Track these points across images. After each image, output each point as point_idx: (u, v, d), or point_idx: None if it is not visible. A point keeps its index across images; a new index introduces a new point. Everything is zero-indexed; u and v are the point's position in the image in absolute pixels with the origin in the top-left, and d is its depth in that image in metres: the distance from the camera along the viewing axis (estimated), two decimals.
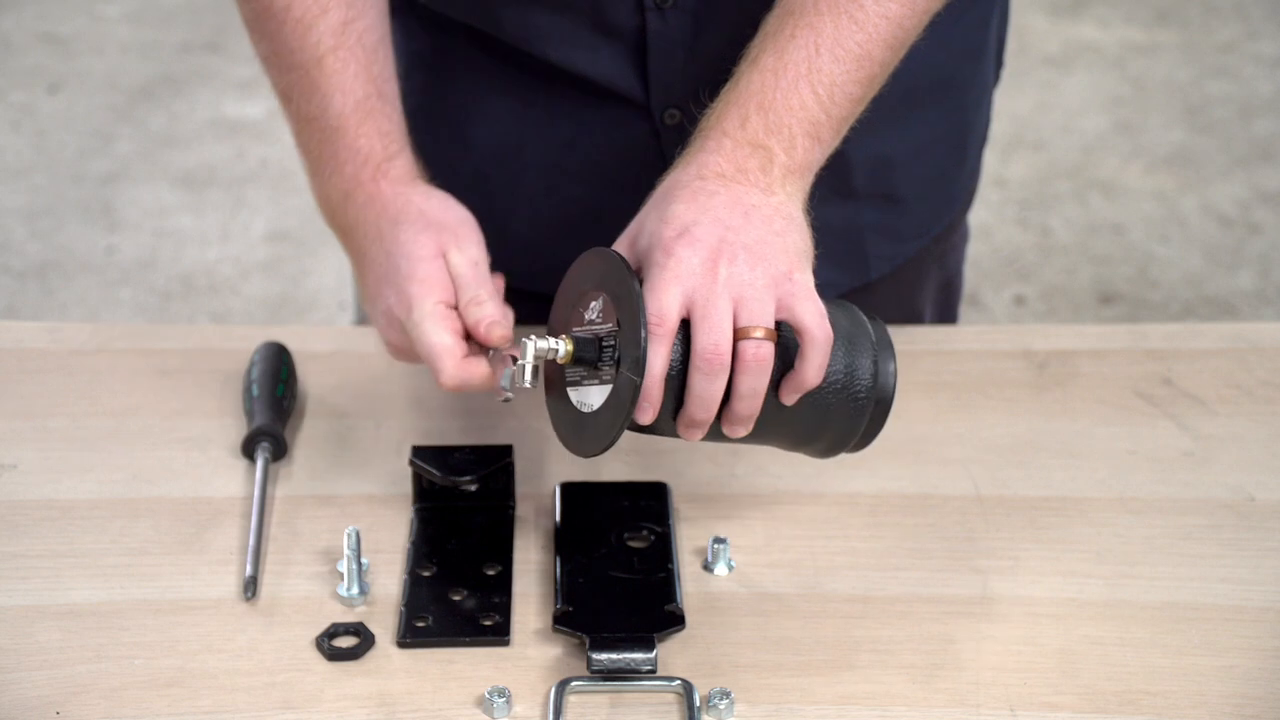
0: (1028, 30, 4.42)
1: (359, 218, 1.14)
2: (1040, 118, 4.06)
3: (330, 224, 1.18)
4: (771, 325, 1.00)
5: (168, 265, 3.45)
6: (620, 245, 1.06)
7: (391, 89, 1.18)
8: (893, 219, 1.39)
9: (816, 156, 1.08)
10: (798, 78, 1.07)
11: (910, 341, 1.40)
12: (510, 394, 1.06)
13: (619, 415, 0.99)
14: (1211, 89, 4.20)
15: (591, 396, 1.02)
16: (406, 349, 1.13)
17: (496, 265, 1.18)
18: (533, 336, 1.02)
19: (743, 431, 1.03)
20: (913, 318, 1.48)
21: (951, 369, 1.37)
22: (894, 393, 1.05)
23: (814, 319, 1.00)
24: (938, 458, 1.26)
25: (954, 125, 1.41)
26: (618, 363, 1.00)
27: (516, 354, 1.05)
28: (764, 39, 1.09)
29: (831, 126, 1.08)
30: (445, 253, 1.09)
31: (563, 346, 1.02)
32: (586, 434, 1.03)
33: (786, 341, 1.02)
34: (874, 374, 1.04)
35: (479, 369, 1.09)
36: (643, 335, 0.97)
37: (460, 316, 1.10)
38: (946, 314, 1.54)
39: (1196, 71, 4.29)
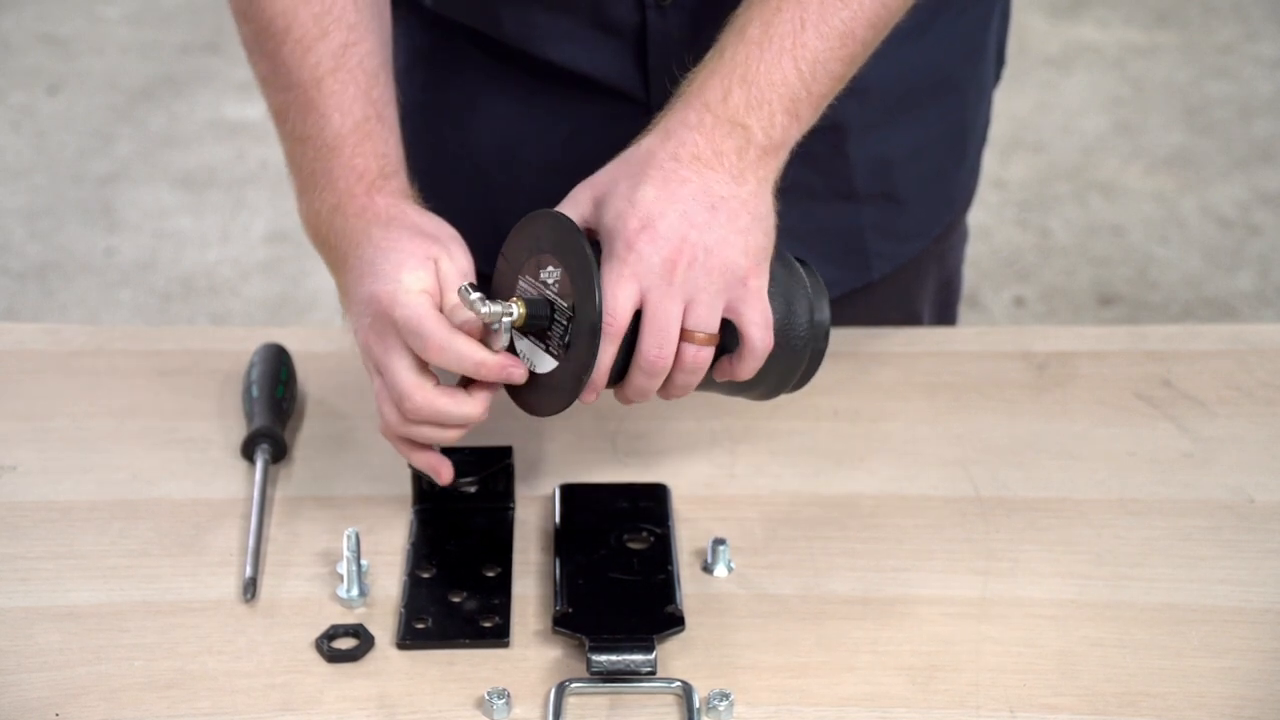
0: (1028, 31, 4.42)
1: (347, 226, 1.12)
2: (1040, 119, 4.06)
3: (314, 239, 1.16)
4: (715, 330, 1.05)
5: (167, 266, 3.45)
6: (581, 198, 1.07)
7: (390, 114, 1.16)
8: (893, 219, 1.39)
9: (793, 134, 1.08)
10: (781, 52, 1.07)
11: (910, 342, 1.40)
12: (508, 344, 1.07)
13: (564, 398, 1.04)
14: (1211, 90, 4.20)
15: (537, 359, 1.05)
16: (379, 336, 1.08)
17: (493, 263, 1.18)
18: (485, 299, 1.03)
19: (675, 399, 1.09)
20: (912, 318, 1.48)
21: (951, 370, 1.37)
22: (827, 341, 1.10)
23: (758, 330, 1.05)
24: (937, 459, 1.26)
25: (953, 125, 1.41)
26: (567, 345, 1.03)
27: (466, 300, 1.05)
28: (750, 9, 1.09)
29: (811, 103, 1.08)
30: (436, 260, 1.08)
31: (516, 310, 1.04)
32: (531, 397, 1.07)
33: (728, 328, 1.06)
34: (810, 324, 1.09)
35: (463, 338, 1.05)
36: (596, 337, 1.01)
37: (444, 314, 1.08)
38: (945, 314, 1.54)
39: (1196, 72, 4.29)
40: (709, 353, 1.04)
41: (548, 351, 1.05)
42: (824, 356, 1.10)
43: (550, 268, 1.04)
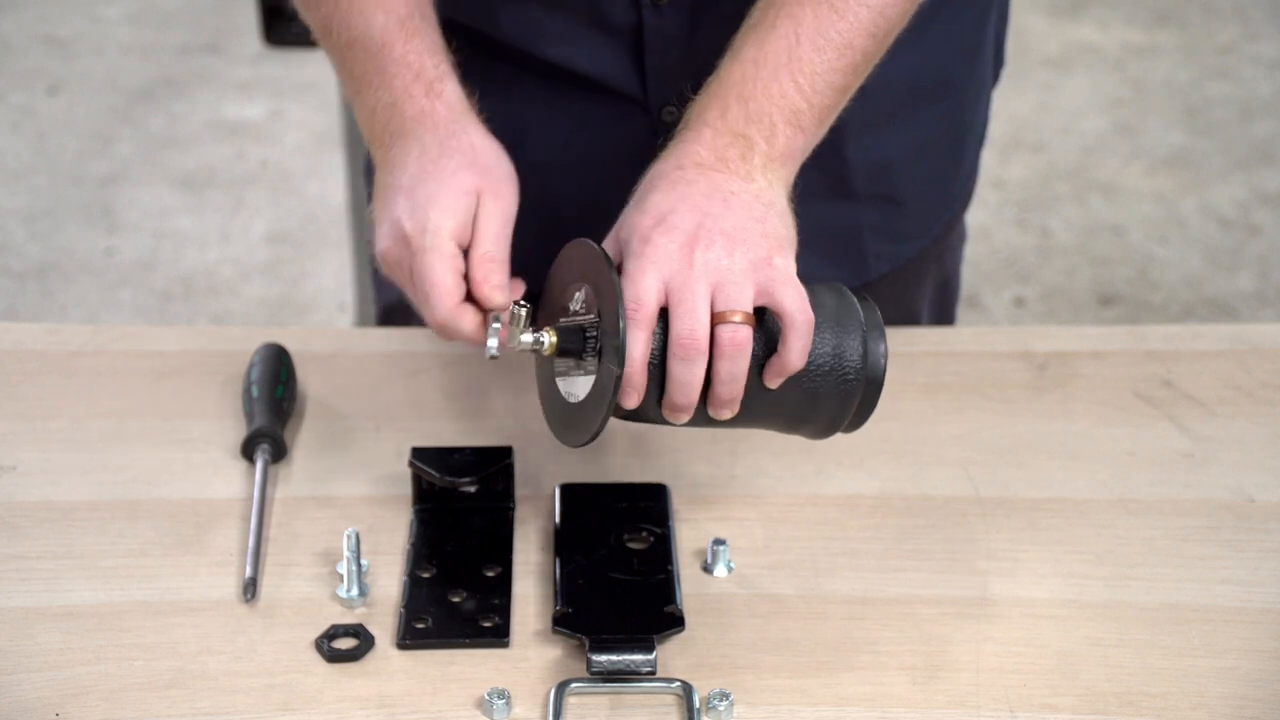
0: (1027, 31, 4.42)
1: (403, 128, 1.11)
2: (1040, 119, 4.06)
3: (369, 139, 1.15)
4: (749, 309, 1.01)
5: (167, 267, 3.45)
6: (606, 243, 1.07)
7: (432, 13, 1.16)
8: (892, 219, 1.40)
9: (799, 145, 1.08)
10: (778, 67, 1.07)
11: (909, 343, 1.40)
12: (496, 354, 1.05)
13: (603, 405, 1.00)
14: (1211, 90, 4.20)
15: (577, 387, 1.04)
16: (397, 261, 1.09)
17: None
18: (520, 330, 1.03)
19: (728, 414, 1.03)
20: (910, 318, 1.48)
21: (951, 370, 1.37)
22: (885, 373, 1.05)
23: (795, 302, 1.01)
24: (937, 459, 1.26)
25: (951, 125, 1.41)
26: (600, 353, 1.01)
27: (505, 319, 1.05)
28: (746, 31, 1.10)
29: (814, 115, 1.08)
30: (480, 196, 1.07)
31: (547, 339, 1.03)
32: (574, 424, 1.04)
33: (769, 326, 1.03)
34: (863, 355, 1.05)
35: (470, 318, 1.07)
36: (621, 324, 0.98)
37: (468, 263, 1.08)
38: (944, 314, 1.54)
39: (1196, 73, 4.29)
40: (747, 332, 1.00)
41: (586, 372, 1.04)
42: (880, 393, 1.06)
43: (577, 294, 1.04)
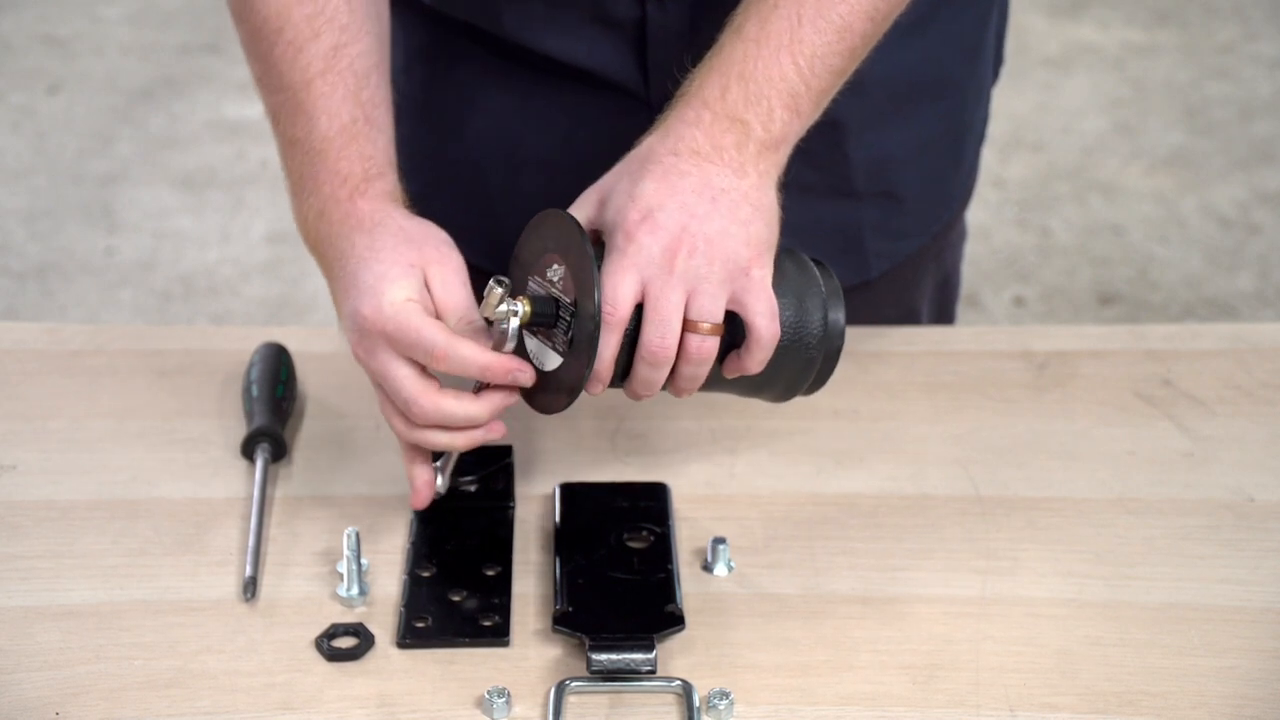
0: (1027, 31, 4.42)
1: (331, 233, 1.11)
2: (1040, 119, 4.06)
3: (307, 243, 1.16)
4: (720, 320, 1.04)
5: (167, 267, 3.45)
6: (588, 200, 1.08)
7: (381, 116, 1.16)
8: (892, 217, 1.40)
9: (795, 129, 1.08)
10: (779, 47, 1.07)
11: (909, 342, 1.40)
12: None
13: (569, 392, 1.04)
14: (1211, 90, 4.20)
15: (545, 357, 1.06)
16: (369, 352, 1.08)
17: (494, 260, 1.18)
18: (498, 296, 1.03)
19: (686, 397, 1.08)
20: (910, 316, 1.48)
21: (951, 370, 1.37)
22: (843, 341, 1.09)
23: (763, 319, 1.04)
24: (937, 458, 1.26)
25: (952, 123, 1.41)
26: (570, 341, 1.03)
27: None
28: (748, 7, 1.09)
29: (811, 98, 1.08)
30: (425, 268, 1.07)
31: (521, 308, 1.04)
32: (539, 394, 1.07)
33: (736, 325, 1.05)
34: (823, 325, 1.08)
35: (470, 345, 1.05)
36: (595, 328, 1.00)
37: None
38: (944, 313, 1.54)
39: (1196, 73, 4.29)
40: (713, 343, 1.04)
41: (555, 349, 1.05)
42: (839, 357, 1.09)
43: (555, 266, 1.05)
